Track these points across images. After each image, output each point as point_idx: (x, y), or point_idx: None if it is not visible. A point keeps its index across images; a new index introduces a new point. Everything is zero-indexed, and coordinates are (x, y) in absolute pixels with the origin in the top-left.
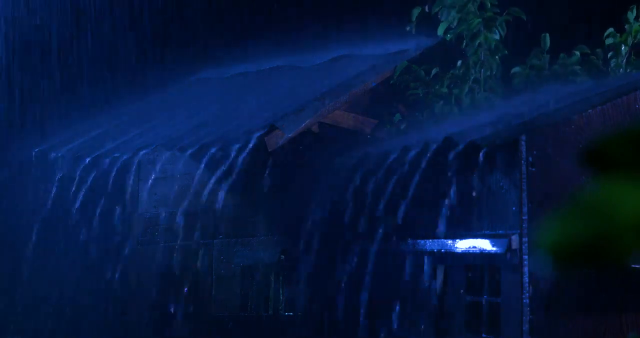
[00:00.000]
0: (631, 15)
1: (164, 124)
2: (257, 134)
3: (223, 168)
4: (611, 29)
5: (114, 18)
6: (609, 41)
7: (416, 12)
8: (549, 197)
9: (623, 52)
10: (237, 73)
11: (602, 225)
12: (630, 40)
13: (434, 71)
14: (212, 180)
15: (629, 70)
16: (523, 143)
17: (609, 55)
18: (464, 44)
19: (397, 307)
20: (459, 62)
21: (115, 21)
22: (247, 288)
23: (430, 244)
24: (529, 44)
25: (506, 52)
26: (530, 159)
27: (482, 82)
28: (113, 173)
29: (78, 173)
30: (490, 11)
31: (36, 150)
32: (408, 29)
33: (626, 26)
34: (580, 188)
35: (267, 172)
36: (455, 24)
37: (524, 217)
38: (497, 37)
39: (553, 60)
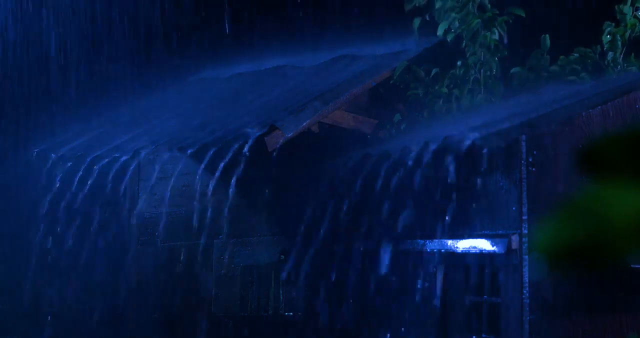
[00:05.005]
0: (626, 7)
1: (164, 124)
2: (257, 134)
3: (223, 168)
4: (608, 27)
5: (115, 18)
6: (606, 39)
7: (417, 22)
8: (548, 197)
9: (619, 46)
10: (237, 73)
11: (601, 225)
12: (627, 34)
13: (433, 71)
14: (212, 180)
15: (625, 64)
16: (523, 143)
17: (605, 49)
18: (464, 44)
19: (397, 307)
20: (459, 63)
21: (116, 21)
22: (247, 288)
23: (430, 244)
24: (528, 44)
25: (506, 52)
26: (530, 159)
27: (482, 82)
28: (113, 174)
29: (78, 173)
30: (489, 11)
31: (36, 150)
32: (413, 36)
33: (619, 17)
34: (580, 188)
35: (267, 172)
36: (455, 24)
37: (523, 217)
38: (496, 36)
39: (552, 61)
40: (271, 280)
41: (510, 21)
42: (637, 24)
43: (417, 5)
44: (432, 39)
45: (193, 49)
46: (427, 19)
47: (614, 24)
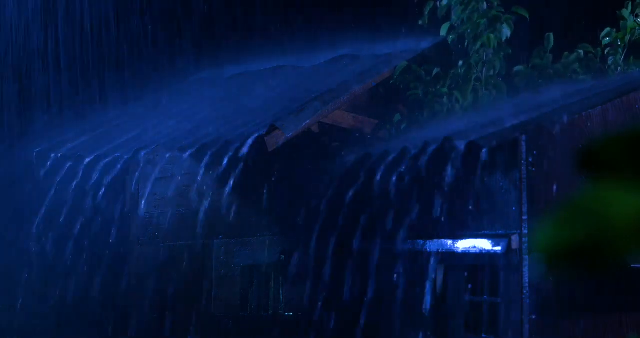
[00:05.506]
0: (626, 12)
1: (164, 124)
2: (257, 134)
3: (223, 168)
4: (608, 29)
5: (115, 19)
6: (605, 41)
7: (428, 6)
8: (548, 197)
9: (620, 50)
10: (237, 73)
11: (601, 225)
12: (627, 37)
13: (434, 71)
14: (212, 181)
15: (626, 67)
16: (523, 143)
17: (606, 52)
18: (466, 43)
19: (397, 307)
20: (461, 62)
21: (116, 22)
22: (247, 288)
23: (430, 244)
24: (531, 43)
25: (510, 51)
26: (530, 159)
27: (484, 82)
28: (113, 174)
29: (78, 173)
30: (495, 10)
31: (37, 150)
32: (420, 22)
33: (621, 23)
34: (580, 188)
35: (267, 172)
36: (459, 23)
37: (524, 217)
38: (507, 34)
39: (555, 59)
40: (271, 280)
41: (514, 20)
42: (637, 28)
43: None
44: (433, 39)
45: (193, 48)
46: (437, 9)
47: (614, 30)
